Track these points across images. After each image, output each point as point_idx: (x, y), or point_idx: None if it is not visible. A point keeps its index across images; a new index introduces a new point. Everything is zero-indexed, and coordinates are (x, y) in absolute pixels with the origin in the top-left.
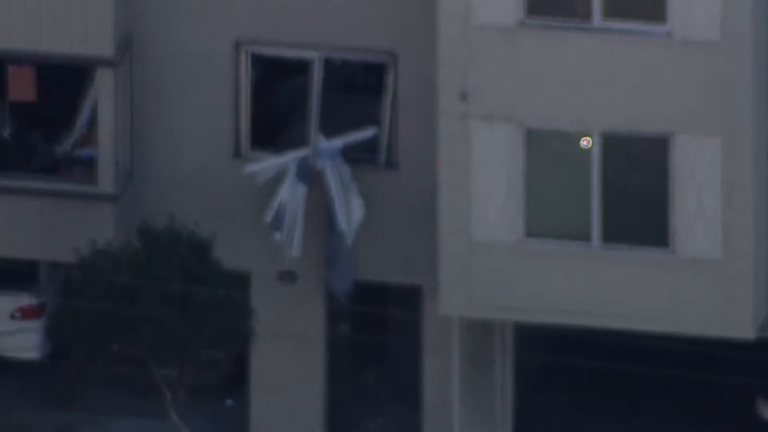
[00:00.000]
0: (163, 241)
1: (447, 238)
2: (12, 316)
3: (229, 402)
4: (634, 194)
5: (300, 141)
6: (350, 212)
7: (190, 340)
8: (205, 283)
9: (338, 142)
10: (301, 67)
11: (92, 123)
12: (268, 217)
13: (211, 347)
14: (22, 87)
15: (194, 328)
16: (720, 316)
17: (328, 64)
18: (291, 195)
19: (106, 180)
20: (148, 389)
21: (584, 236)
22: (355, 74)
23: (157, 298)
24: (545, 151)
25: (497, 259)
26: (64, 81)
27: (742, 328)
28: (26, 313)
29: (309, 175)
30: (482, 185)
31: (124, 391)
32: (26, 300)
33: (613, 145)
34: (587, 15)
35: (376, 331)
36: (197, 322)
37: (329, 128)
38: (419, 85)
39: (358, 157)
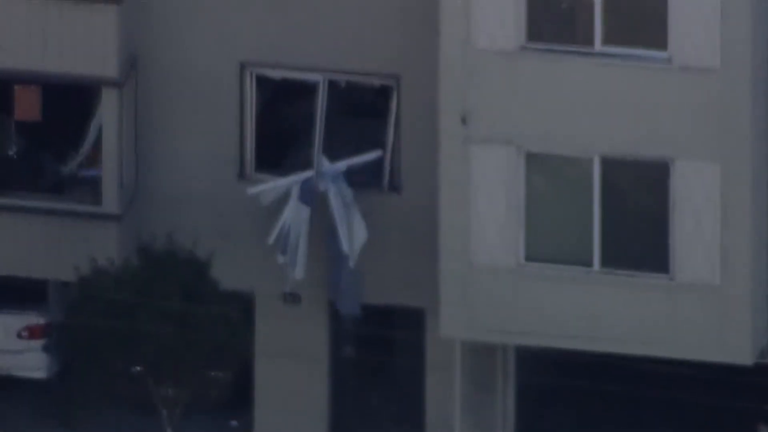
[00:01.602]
0: (162, 260)
1: (447, 261)
2: (19, 335)
3: (233, 423)
4: (634, 219)
5: (304, 163)
6: (353, 235)
7: (186, 358)
8: (202, 302)
9: (342, 164)
10: (306, 90)
11: (98, 143)
12: (272, 238)
13: (207, 366)
14: (28, 107)
15: (191, 346)
16: (718, 341)
17: (333, 87)
18: (294, 217)
19: (109, 200)
20: (147, 407)
21: (584, 260)
22: (359, 97)
23: (156, 316)
24: (545, 174)
25: (497, 282)
26: (71, 101)
27: (741, 353)
28: (33, 333)
29: (312, 197)
30: (482, 208)
31: (124, 409)
32: (34, 319)
33: (613, 169)
34: (588, 40)
35: (379, 352)
36: (194, 341)
37: (333, 150)
38: (423, 109)
39: (362, 179)
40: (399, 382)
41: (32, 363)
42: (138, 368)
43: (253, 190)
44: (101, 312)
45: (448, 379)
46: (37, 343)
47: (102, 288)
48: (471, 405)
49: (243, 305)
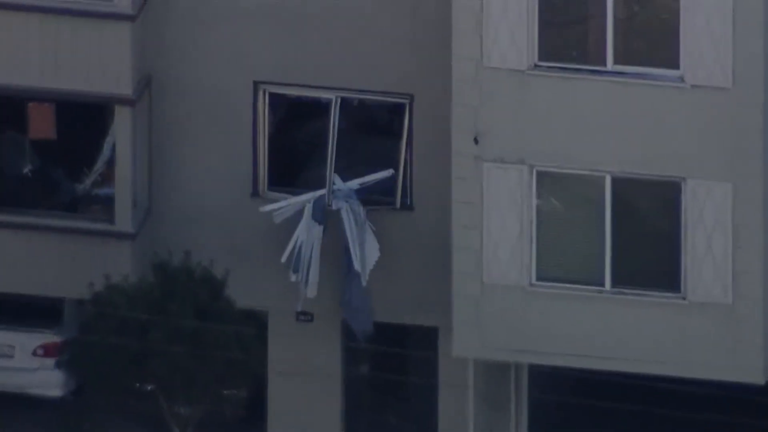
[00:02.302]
0: (177, 277)
1: (460, 280)
2: (35, 353)
3: None
4: (646, 238)
5: (317, 181)
6: (365, 253)
7: (199, 376)
8: (216, 320)
9: (354, 183)
10: (319, 108)
11: (112, 161)
12: (285, 257)
13: (220, 384)
14: (43, 124)
15: (204, 364)
16: (730, 360)
17: (346, 105)
18: (307, 235)
19: (123, 218)
20: (160, 424)
21: (596, 280)
22: (372, 116)
23: (169, 333)
24: (557, 194)
25: (509, 301)
26: (85, 119)
27: (753, 372)
28: (48, 351)
29: (325, 215)
30: (494, 227)
31: (137, 426)
32: (49, 337)
33: (625, 188)
34: (600, 59)
35: (393, 371)
36: (206, 359)
37: (346, 169)
38: (435, 127)
39: (375, 198)
40: (412, 401)
41: (48, 381)
42: (150, 387)
43: (265, 208)
44: (114, 329)
45: (462, 397)
46: (52, 361)
47: (115, 305)
48: (484, 424)
49: (256, 323)
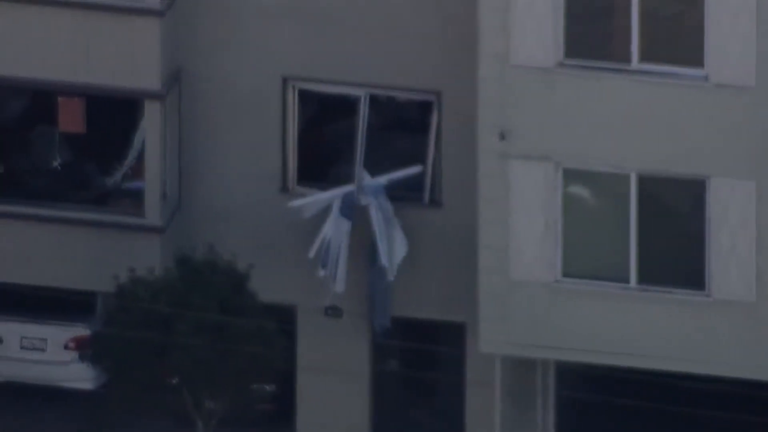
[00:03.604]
0: (200, 271)
1: (486, 276)
2: (66, 347)
3: None
4: (671, 235)
5: (346, 177)
6: (393, 249)
7: (222, 370)
8: (239, 314)
9: (383, 179)
10: (348, 104)
11: (141, 155)
12: (313, 252)
13: (242, 378)
14: (72, 118)
15: (226, 358)
16: (754, 357)
17: (374, 102)
18: (335, 231)
19: (152, 212)
20: (184, 418)
21: (621, 276)
22: (401, 112)
23: (192, 327)
24: (582, 191)
25: (534, 297)
26: (115, 113)
27: None
28: (80, 344)
29: (353, 211)
30: (520, 224)
31: (161, 419)
32: (81, 331)
33: (650, 186)
34: (625, 57)
35: (421, 367)
36: (229, 353)
37: (375, 165)
38: (463, 124)
39: (403, 194)
40: (440, 397)
41: (79, 374)
42: (174, 380)
43: (294, 203)
44: (137, 322)
45: (489, 394)
46: (84, 355)
47: (139, 298)
48: (511, 421)
49: (285, 318)
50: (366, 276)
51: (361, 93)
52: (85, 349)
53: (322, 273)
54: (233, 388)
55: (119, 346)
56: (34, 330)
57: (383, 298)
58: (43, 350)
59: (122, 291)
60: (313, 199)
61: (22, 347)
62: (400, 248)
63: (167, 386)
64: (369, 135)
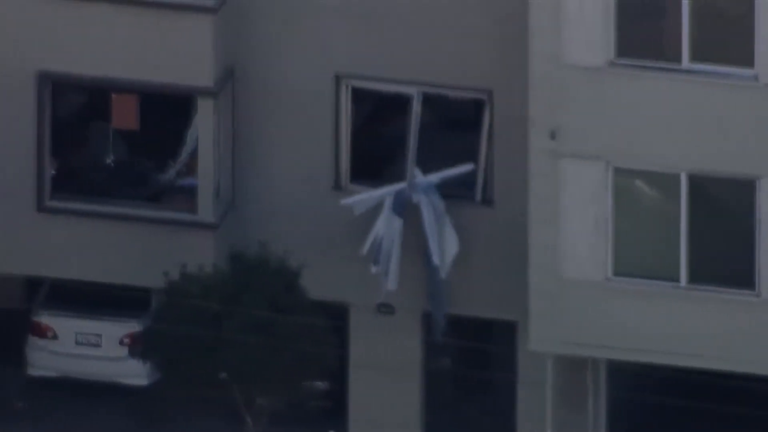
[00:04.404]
0: (252, 268)
1: (536, 275)
2: (121, 343)
3: None
4: (721, 235)
5: (398, 175)
6: (444, 247)
7: (271, 367)
8: (290, 312)
9: (435, 176)
10: (400, 102)
11: (195, 152)
12: (365, 249)
13: (292, 375)
14: (125, 115)
15: (276, 355)
16: None
17: (427, 100)
18: (387, 228)
19: (205, 208)
20: (235, 414)
21: (672, 276)
22: (453, 110)
23: (242, 324)
24: (633, 190)
25: (585, 296)
26: (169, 110)
27: None
28: (135, 340)
29: (405, 208)
30: (571, 223)
31: (211, 416)
32: (135, 327)
33: (700, 185)
34: (676, 57)
35: (474, 365)
36: (279, 350)
37: (426, 163)
38: (515, 123)
39: (454, 192)
40: (492, 396)
41: (133, 370)
42: (224, 376)
43: (346, 200)
44: (187, 318)
45: (540, 393)
46: (137, 351)
47: (189, 294)
48: (562, 420)
49: (337, 316)
50: (419, 273)
51: (413, 91)
52: (136, 345)
53: (374, 270)
54: (283, 385)
55: (169, 342)
56: (89, 326)
57: (438, 295)
58: (98, 346)
59: (172, 287)
60: (366, 196)
61: (77, 343)
62: (451, 246)
63: (217, 383)
64: (421, 133)
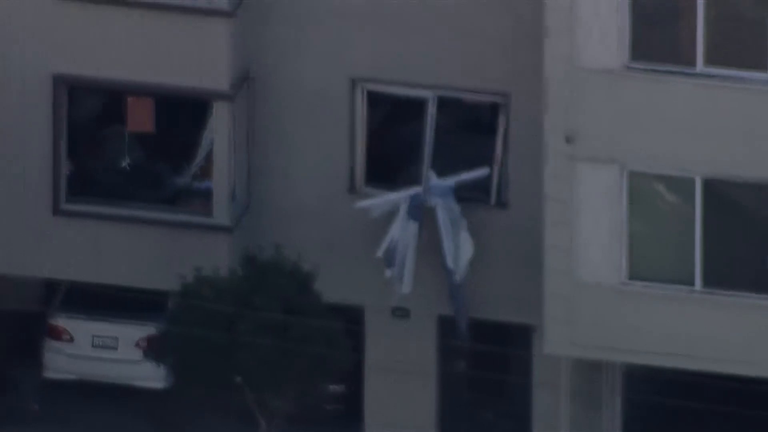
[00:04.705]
0: (266, 270)
1: (551, 278)
2: (137, 345)
3: None
4: (736, 239)
5: (413, 178)
6: (459, 250)
7: (285, 370)
8: (303, 315)
9: (450, 180)
10: (416, 106)
11: (210, 155)
12: (380, 252)
13: (306, 378)
14: (141, 118)
15: (289, 357)
16: None
17: (442, 103)
18: (402, 232)
19: (221, 211)
20: (248, 416)
21: (686, 280)
22: (468, 114)
23: (256, 326)
24: (648, 194)
25: (600, 299)
26: (184, 113)
27: None
28: (150, 343)
29: (420, 212)
30: (586, 226)
31: (225, 419)
32: (151, 330)
33: (715, 189)
34: (691, 61)
35: (489, 368)
36: (293, 352)
37: (442, 166)
38: (531, 126)
39: (470, 195)
40: (508, 399)
41: (150, 373)
42: (237, 379)
43: (361, 204)
44: (201, 321)
45: (556, 396)
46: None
47: (203, 297)
48: (578, 422)
49: (353, 319)
50: (434, 277)
51: (429, 95)
52: (152, 347)
53: (388, 273)
54: (297, 388)
55: (183, 344)
56: (105, 329)
57: (456, 300)
58: (114, 349)
59: (186, 290)
60: (381, 200)
61: (93, 345)
62: (467, 250)
63: (232, 385)
64: (437, 136)
